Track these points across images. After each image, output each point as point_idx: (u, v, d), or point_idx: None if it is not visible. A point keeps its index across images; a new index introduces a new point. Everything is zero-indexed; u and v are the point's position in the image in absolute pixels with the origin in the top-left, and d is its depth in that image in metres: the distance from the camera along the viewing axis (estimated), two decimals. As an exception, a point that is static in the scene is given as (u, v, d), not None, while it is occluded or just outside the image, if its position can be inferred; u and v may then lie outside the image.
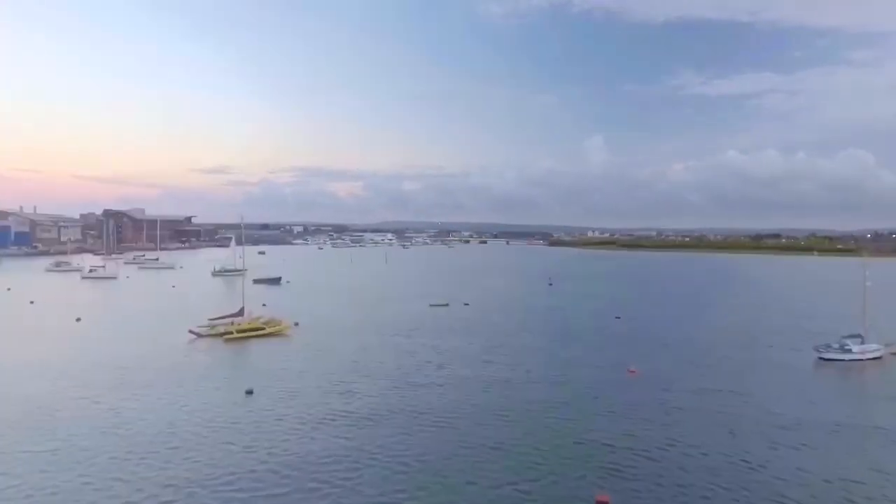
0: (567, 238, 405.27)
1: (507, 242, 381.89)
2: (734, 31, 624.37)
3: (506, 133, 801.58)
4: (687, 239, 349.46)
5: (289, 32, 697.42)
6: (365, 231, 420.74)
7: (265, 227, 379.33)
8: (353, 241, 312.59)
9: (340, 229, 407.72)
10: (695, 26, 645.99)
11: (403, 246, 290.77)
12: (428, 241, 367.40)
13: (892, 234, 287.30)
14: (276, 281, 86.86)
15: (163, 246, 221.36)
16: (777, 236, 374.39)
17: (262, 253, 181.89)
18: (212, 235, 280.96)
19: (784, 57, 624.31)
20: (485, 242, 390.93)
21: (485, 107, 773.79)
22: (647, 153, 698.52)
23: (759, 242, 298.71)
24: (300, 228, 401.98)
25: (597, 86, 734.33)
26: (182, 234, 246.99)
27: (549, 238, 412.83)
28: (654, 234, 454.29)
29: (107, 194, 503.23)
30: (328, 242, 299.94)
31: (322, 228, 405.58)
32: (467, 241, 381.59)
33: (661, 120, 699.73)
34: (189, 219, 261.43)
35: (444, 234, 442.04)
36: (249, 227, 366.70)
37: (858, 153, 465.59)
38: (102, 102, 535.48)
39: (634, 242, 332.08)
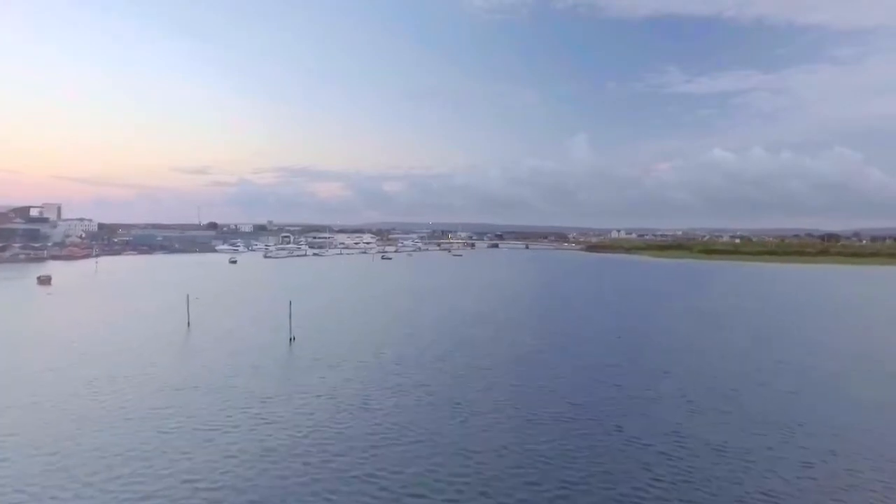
0: (597, 240, 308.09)
1: (527, 246, 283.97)
2: (718, 27, 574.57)
3: (492, 131, 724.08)
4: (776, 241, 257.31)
5: (269, 30, 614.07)
6: (343, 231, 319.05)
7: (191, 228, 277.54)
8: (311, 247, 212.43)
9: (311, 229, 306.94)
10: (679, 22, 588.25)
11: (384, 255, 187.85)
12: (419, 243, 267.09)
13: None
14: None
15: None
16: (835, 237, 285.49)
17: (42, 279, 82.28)
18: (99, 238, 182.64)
19: (768, 54, 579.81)
20: (496, 245, 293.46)
21: (469, 104, 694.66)
22: (633, 152, 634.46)
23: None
24: (249, 228, 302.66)
25: (581, 83, 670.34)
26: (3, 234, 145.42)
27: (576, 240, 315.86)
28: (679, 233, 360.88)
29: (83, 195, 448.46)
30: (270, 248, 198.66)
31: (288, 229, 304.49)
32: (472, 245, 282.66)
33: (647, 118, 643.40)
34: (26, 210, 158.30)
35: (437, 235, 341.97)
36: (157, 227, 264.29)
37: (845, 152, 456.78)
38: (81, 101, 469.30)
39: (708, 247, 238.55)
